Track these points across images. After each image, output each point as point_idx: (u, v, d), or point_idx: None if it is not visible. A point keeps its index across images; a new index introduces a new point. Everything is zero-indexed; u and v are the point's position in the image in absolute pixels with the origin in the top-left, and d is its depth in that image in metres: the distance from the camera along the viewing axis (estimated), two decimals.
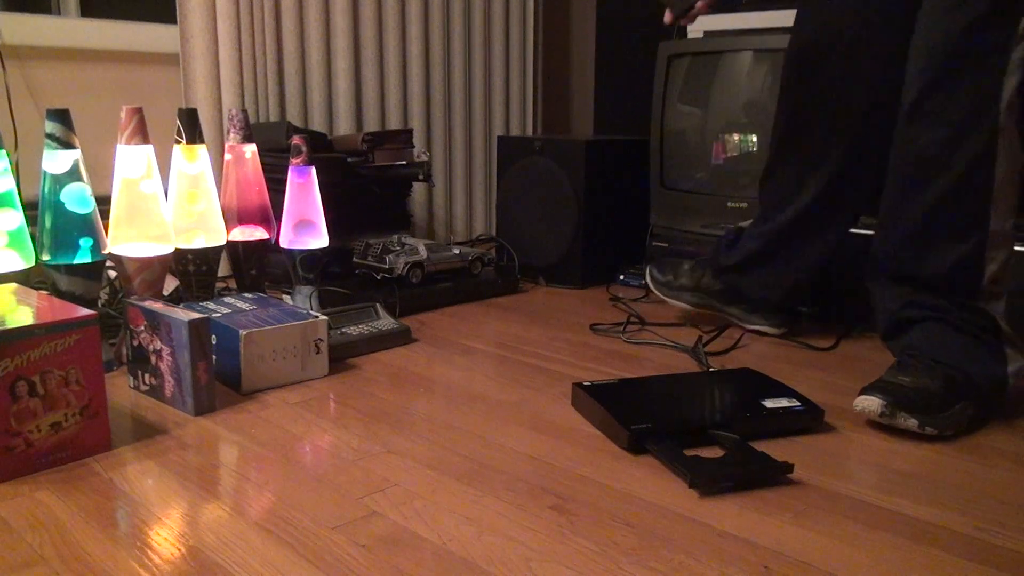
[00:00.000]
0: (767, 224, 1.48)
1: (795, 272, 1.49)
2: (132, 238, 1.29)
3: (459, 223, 2.47)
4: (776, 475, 0.96)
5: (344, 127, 2.12)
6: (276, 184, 1.62)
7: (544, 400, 1.21)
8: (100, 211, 1.26)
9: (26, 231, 1.24)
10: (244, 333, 1.20)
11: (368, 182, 1.88)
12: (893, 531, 0.85)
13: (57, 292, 1.23)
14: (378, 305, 1.52)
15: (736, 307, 1.57)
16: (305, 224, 1.48)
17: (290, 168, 1.48)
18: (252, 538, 0.81)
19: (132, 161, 1.28)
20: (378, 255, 1.73)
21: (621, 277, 2.00)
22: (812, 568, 0.78)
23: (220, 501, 0.89)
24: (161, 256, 1.31)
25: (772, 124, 1.45)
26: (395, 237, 1.83)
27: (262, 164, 1.52)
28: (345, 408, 1.17)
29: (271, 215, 1.52)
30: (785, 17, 1.92)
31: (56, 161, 1.21)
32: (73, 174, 1.22)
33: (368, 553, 0.79)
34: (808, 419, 1.11)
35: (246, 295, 1.39)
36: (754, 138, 1.76)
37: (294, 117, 2.03)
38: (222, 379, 1.23)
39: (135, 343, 1.20)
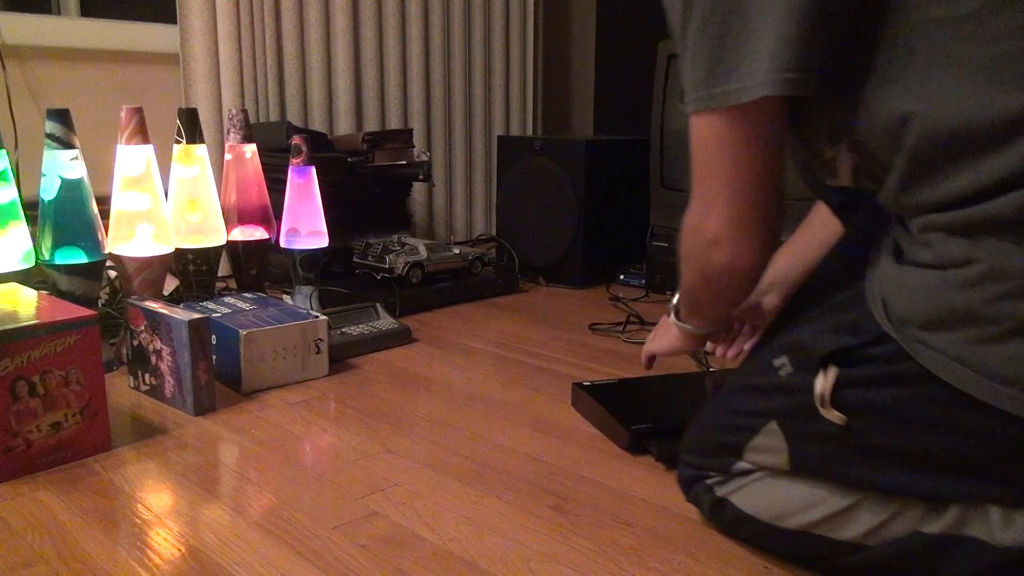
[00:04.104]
0: None
1: None
2: (132, 238, 1.29)
3: (459, 223, 2.47)
4: None
5: (344, 127, 2.12)
6: (276, 184, 1.62)
7: (544, 400, 1.21)
8: (100, 211, 1.26)
9: (26, 232, 1.24)
10: (244, 333, 1.20)
11: (368, 182, 1.88)
12: None
13: (57, 292, 1.23)
14: (378, 305, 1.52)
15: None
16: (305, 224, 1.48)
17: (290, 168, 1.48)
18: (252, 538, 0.81)
19: (132, 161, 1.28)
20: (378, 255, 1.73)
21: (621, 277, 2.00)
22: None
23: (220, 501, 0.89)
24: (161, 256, 1.31)
25: None
26: (395, 237, 1.83)
27: (262, 164, 1.52)
28: (345, 408, 1.17)
29: (271, 215, 1.52)
30: None
31: (56, 161, 1.21)
32: (73, 174, 1.22)
33: (368, 553, 0.79)
34: None
35: (246, 295, 1.39)
36: None
37: (294, 117, 2.03)
38: (222, 379, 1.23)
39: (135, 343, 1.20)
